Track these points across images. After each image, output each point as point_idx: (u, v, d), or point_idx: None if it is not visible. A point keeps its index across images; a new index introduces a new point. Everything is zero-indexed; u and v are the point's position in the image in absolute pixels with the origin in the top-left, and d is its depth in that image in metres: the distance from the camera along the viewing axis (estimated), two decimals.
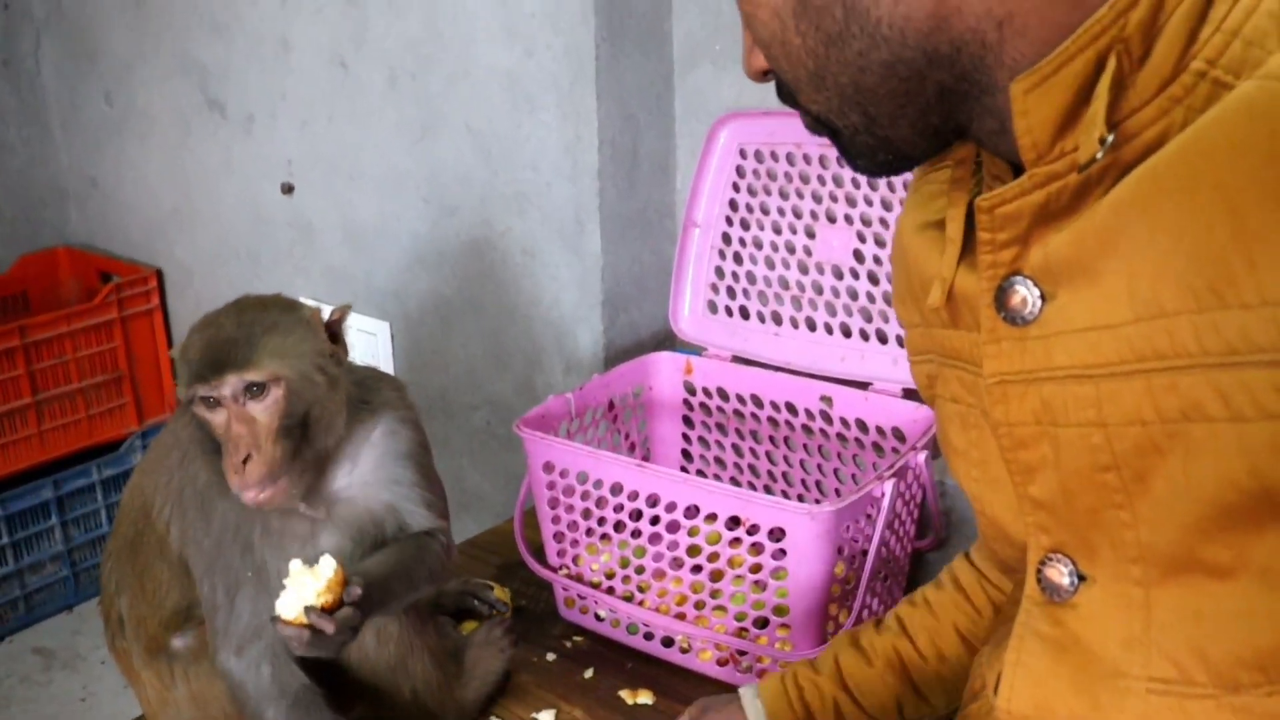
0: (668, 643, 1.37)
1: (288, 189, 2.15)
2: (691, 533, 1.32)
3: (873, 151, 0.72)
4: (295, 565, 1.04)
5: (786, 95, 0.73)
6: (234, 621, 1.13)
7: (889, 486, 1.25)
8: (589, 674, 1.36)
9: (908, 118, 0.69)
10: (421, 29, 1.81)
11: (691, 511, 1.30)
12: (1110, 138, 0.59)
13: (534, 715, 1.30)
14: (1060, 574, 0.69)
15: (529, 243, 1.77)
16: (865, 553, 1.28)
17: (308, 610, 1.02)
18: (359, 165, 2.00)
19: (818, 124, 0.73)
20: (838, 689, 1.05)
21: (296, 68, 2.04)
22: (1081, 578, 0.68)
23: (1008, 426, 0.68)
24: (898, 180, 1.48)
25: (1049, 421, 0.65)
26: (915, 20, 0.63)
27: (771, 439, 1.60)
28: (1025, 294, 0.65)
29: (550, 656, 1.40)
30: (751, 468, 1.64)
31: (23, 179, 2.71)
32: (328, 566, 1.04)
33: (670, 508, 1.31)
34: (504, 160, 1.77)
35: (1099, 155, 0.59)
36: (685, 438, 1.69)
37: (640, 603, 1.38)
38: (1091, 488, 0.65)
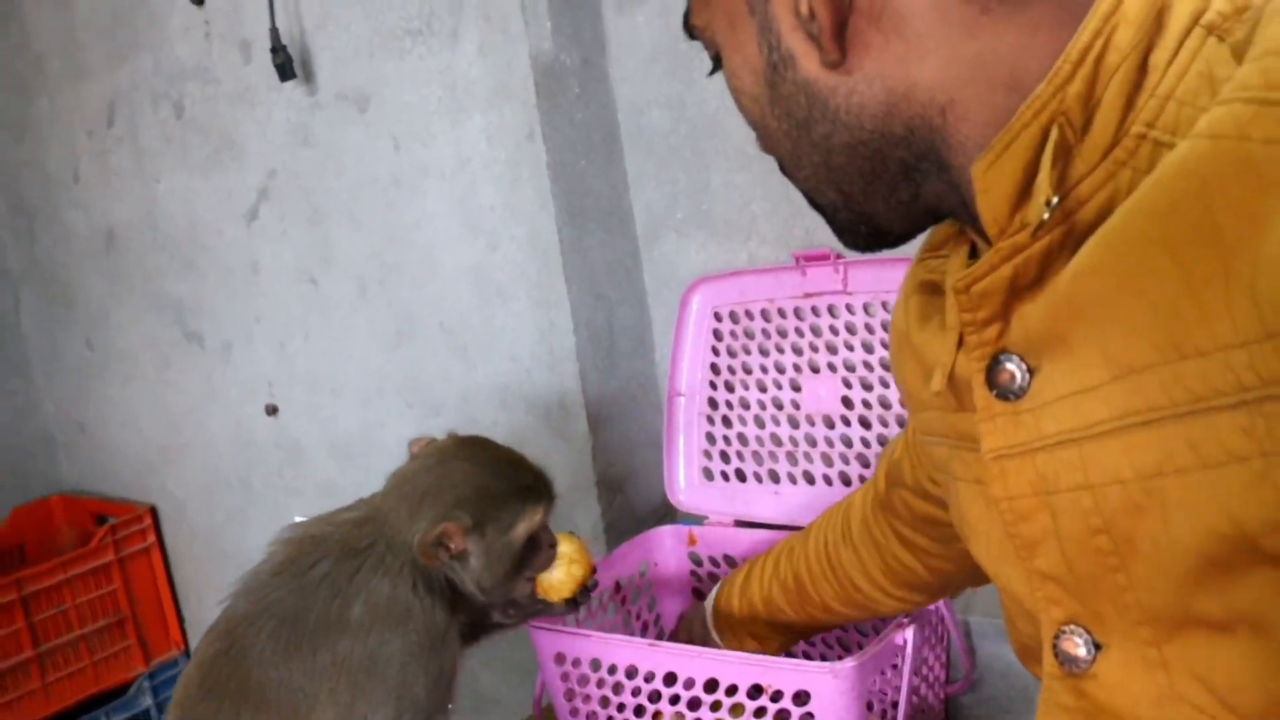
0: None
1: (272, 410, 2.14)
2: (714, 708, 1.27)
3: (854, 226, 0.77)
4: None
5: (783, 170, 0.79)
6: None
7: (910, 633, 1.21)
8: None
9: (879, 194, 0.73)
10: (384, 238, 1.83)
11: (711, 685, 1.25)
12: (1055, 199, 0.62)
13: None
14: (1076, 645, 0.68)
15: (516, 435, 1.76)
16: (896, 705, 1.23)
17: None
18: (338, 378, 2.00)
19: (809, 200, 0.79)
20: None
21: (268, 290, 2.06)
22: (1098, 646, 0.68)
23: (1008, 501, 0.69)
24: (876, 322, 1.48)
25: (1044, 491, 0.66)
26: (869, 106, 0.69)
27: None
28: (1013, 369, 0.67)
29: None
30: None
31: (10, 431, 2.71)
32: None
33: (689, 684, 1.26)
34: (481, 355, 1.77)
35: (1045, 217, 0.62)
36: None
37: None
38: (1088, 553, 0.65)
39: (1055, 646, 0.70)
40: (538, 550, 1.25)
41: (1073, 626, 0.68)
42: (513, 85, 1.60)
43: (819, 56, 0.68)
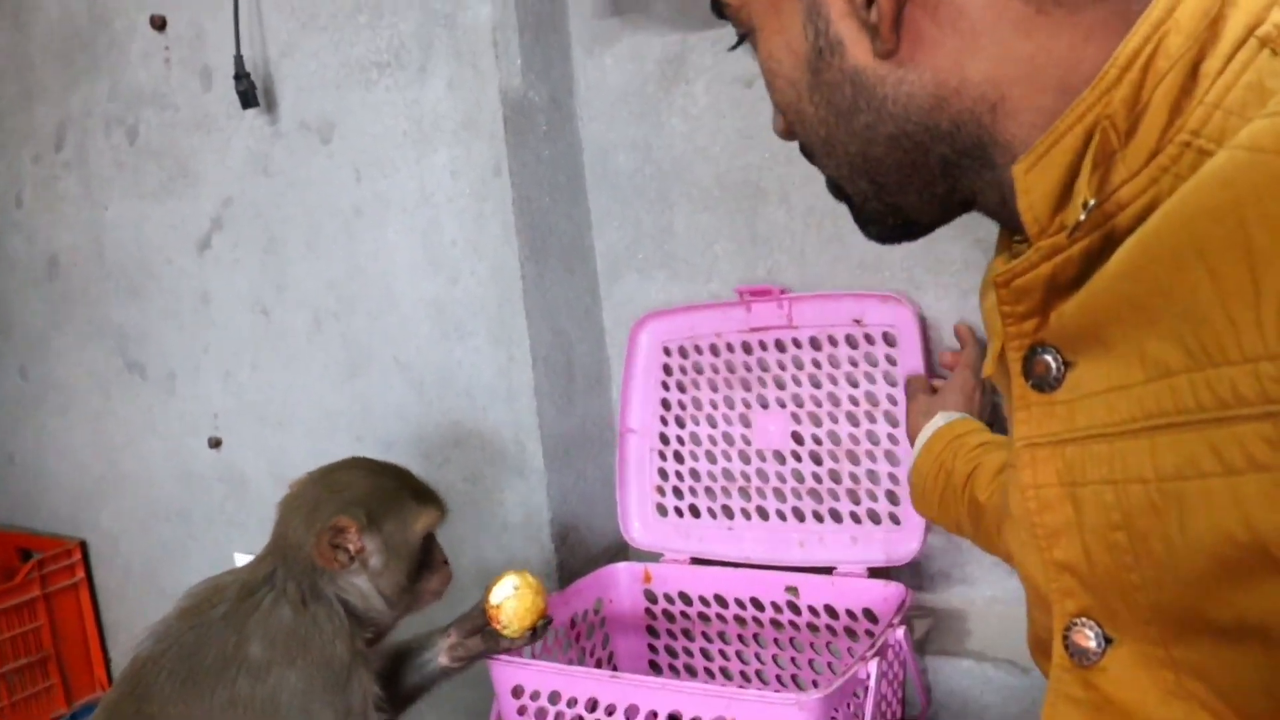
0: None
1: (215, 443, 2.11)
2: None
3: (883, 217, 0.78)
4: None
5: (808, 154, 0.79)
6: None
7: (873, 666, 1.22)
8: None
9: (914, 186, 0.74)
10: (342, 269, 1.82)
11: (674, 719, 1.25)
12: (1092, 202, 0.62)
13: None
14: (1087, 638, 0.69)
15: (470, 470, 1.75)
16: None
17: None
18: (288, 411, 1.98)
19: (835, 188, 0.79)
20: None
21: (217, 320, 2.04)
22: (1108, 640, 0.68)
23: (1035, 489, 0.70)
24: (822, 356, 1.50)
25: (1070, 482, 0.67)
26: (918, 98, 0.69)
27: (740, 637, 1.56)
28: (1049, 361, 0.68)
29: None
30: (723, 670, 1.59)
31: None
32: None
33: (651, 718, 1.26)
34: (437, 390, 1.76)
35: (1081, 218, 0.63)
36: (651, 648, 1.65)
37: None
38: (1106, 548, 0.66)
39: (1066, 638, 0.71)
40: (433, 558, 1.27)
41: (1084, 619, 0.69)
42: (481, 120, 1.61)
43: (871, 45, 0.69)
